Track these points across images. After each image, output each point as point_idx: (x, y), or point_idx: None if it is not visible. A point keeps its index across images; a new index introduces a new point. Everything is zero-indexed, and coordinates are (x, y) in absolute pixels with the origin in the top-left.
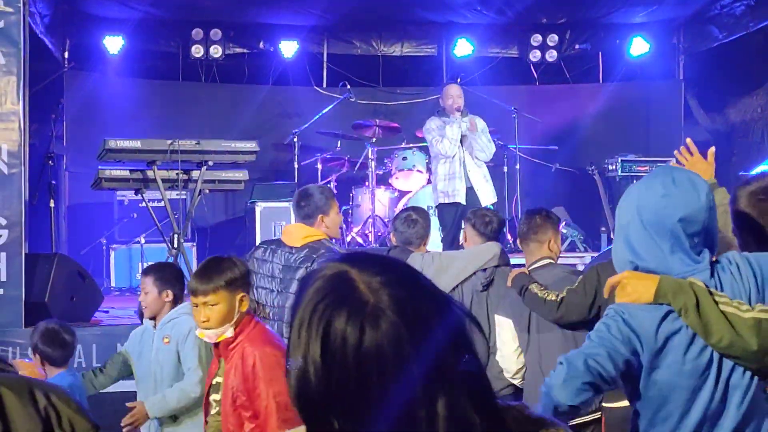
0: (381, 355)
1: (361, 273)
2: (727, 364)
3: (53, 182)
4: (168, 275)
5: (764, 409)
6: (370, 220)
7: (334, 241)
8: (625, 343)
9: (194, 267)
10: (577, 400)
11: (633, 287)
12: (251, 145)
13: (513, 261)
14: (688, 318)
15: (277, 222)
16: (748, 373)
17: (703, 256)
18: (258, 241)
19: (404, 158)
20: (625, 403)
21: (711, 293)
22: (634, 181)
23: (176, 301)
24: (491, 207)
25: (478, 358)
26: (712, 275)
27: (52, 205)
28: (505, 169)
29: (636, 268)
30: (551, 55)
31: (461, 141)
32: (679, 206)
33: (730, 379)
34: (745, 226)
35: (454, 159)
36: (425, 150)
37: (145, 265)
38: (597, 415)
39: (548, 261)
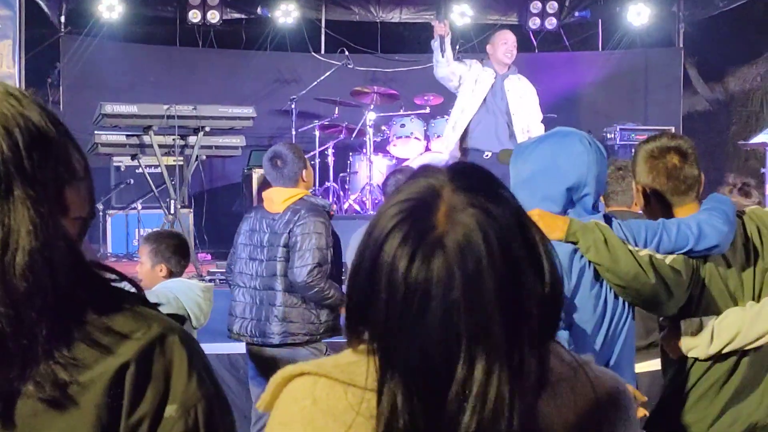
0: (426, 291)
1: (456, 194)
2: (610, 300)
3: None
4: (164, 248)
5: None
6: (368, 188)
7: (313, 191)
8: None
9: (191, 233)
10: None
11: (546, 223)
12: (248, 111)
13: None
14: (598, 254)
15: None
16: (628, 308)
17: (598, 207)
18: (253, 206)
19: (402, 125)
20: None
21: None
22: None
23: (171, 276)
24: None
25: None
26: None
27: None
28: None
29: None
30: (551, 23)
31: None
32: (583, 168)
33: (614, 313)
34: (642, 183)
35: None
36: (423, 117)
37: (143, 231)
38: None
39: None
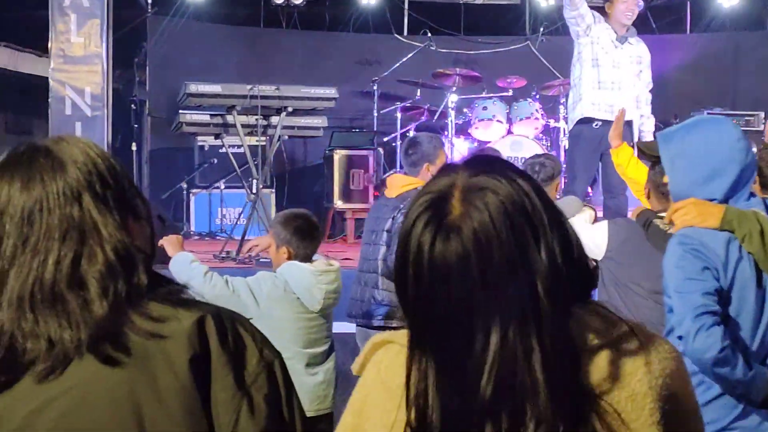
0: (447, 270)
1: (468, 181)
2: None
3: (135, 126)
4: (283, 230)
5: None
6: None
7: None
8: (711, 276)
9: (273, 213)
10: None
11: (700, 211)
12: (331, 92)
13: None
14: (752, 244)
15: (356, 170)
16: None
17: (754, 194)
18: (336, 189)
19: (484, 108)
20: None
21: None
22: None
23: (294, 258)
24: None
25: (552, 315)
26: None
27: (134, 148)
28: None
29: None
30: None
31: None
32: (743, 154)
33: None
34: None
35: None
36: (506, 100)
37: (225, 210)
38: None
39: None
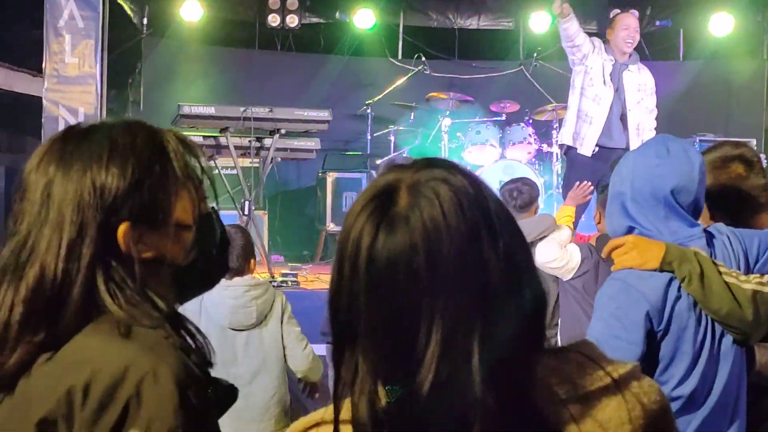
0: (391, 265)
1: (416, 174)
2: (718, 331)
3: None
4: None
5: (742, 377)
6: None
7: None
8: (641, 313)
9: (266, 235)
10: None
11: (640, 251)
12: (324, 114)
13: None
14: (690, 286)
15: (348, 193)
16: (733, 342)
17: (696, 223)
18: (328, 211)
19: (478, 132)
20: None
21: (714, 263)
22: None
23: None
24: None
25: (510, 318)
26: (708, 243)
27: None
28: None
29: (631, 232)
30: None
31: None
32: (672, 176)
33: (720, 346)
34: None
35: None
36: (499, 124)
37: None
38: None
39: None
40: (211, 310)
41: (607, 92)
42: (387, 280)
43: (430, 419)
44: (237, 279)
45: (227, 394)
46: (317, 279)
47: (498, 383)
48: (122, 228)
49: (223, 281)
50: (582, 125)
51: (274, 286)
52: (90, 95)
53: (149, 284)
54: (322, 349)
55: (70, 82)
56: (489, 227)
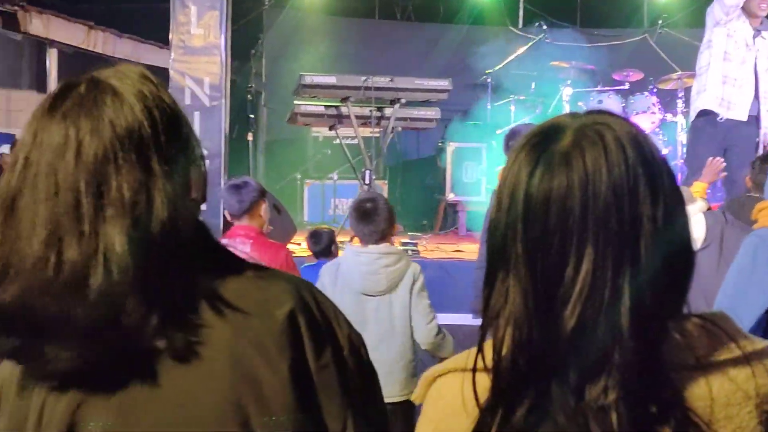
0: (547, 202)
1: (587, 117)
2: None
3: (251, 117)
4: None
5: None
6: None
7: None
8: None
9: None
10: None
11: None
12: (444, 84)
13: None
14: None
15: (468, 163)
16: None
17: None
18: (448, 181)
19: (600, 101)
20: None
21: None
22: None
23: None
24: None
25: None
26: None
27: (250, 138)
28: None
29: None
30: None
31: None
32: None
33: None
34: None
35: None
36: (622, 93)
37: (338, 201)
38: None
39: None
40: (346, 275)
41: (750, 57)
42: (541, 216)
43: (567, 360)
44: (371, 246)
45: None
46: (437, 248)
47: (635, 336)
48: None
49: (358, 248)
50: (729, 90)
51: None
52: (215, 65)
53: None
54: (453, 319)
55: (196, 53)
56: (649, 179)
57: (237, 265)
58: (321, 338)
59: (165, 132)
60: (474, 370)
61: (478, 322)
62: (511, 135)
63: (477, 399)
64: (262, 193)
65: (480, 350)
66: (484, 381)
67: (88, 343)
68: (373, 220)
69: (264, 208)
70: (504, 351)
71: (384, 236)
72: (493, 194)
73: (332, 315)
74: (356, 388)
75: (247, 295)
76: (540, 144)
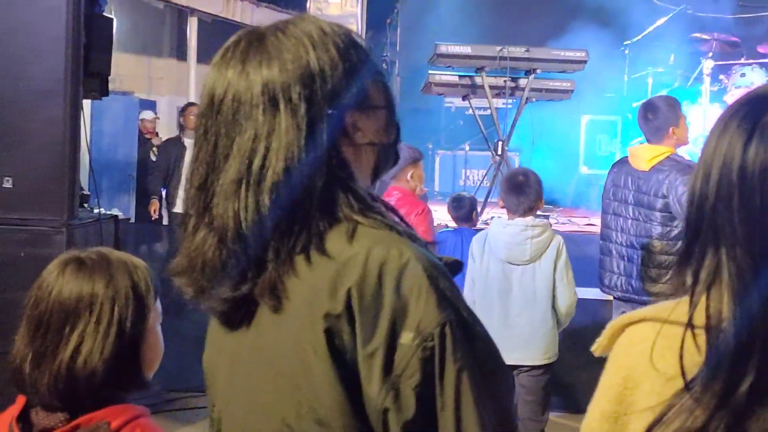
0: (764, 172)
1: None
2: None
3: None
4: None
5: None
6: (700, 139)
7: (679, 150)
8: None
9: None
10: None
11: None
12: (581, 54)
13: None
14: None
15: (602, 135)
16: None
17: None
18: (581, 154)
19: (743, 75)
20: None
21: None
22: None
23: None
24: None
25: None
26: None
27: None
28: None
29: None
30: None
31: None
32: None
33: None
34: None
35: None
36: (767, 67)
37: (469, 172)
38: None
39: None
40: (493, 245)
41: None
42: (759, 188)
43: None
44: (518, 219)
45: (454, 269)
46: (569, 221)
47: None
48: (348, 117)
49: (504, 220)
50: None
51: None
52: None
53: (357, 169)
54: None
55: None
56: None
57: (359, 216)
58: (376, 320)
59: (297, 82)
60: (690, 325)
61: (605, 296)
62: (648, 107)
63: (681, 359)
64: (412, 160)
65: (693, 305)
66: (678, 336)
67: (227, 287)
68: (524, 192)
69: (411, 174)
70: (722, 324)
71: (531, 209)
72: (697, 167)
73: (414, 292)
74: (411, 374)
75: (337, 253)
76: (752, 114)
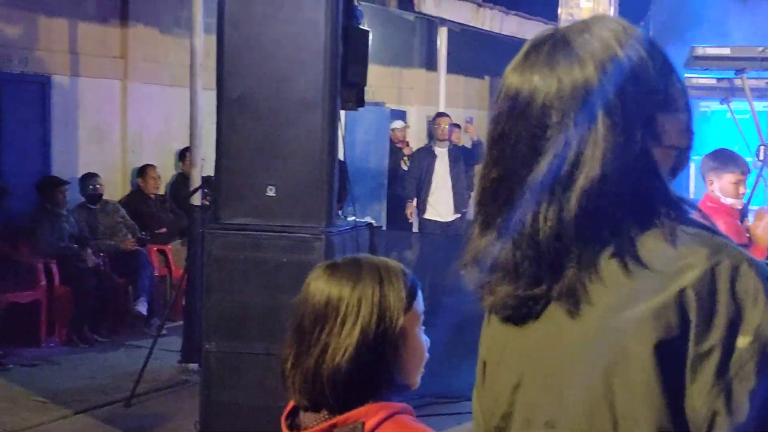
0: None
1: None
2: None
3: None
4: None
5: None
6: None
7: None
8: None
9: None
10: None
11: None
12: None
13: None
14: None
15: None
16: None
17: None
18: None
19: None
20: None
21: None
22: None
23: None
24: None
25: None
26: None
27: None
28: None
29: None
30: None
31: None
32: None
33: None
34: None
35: None
36: None
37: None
38: None
39: None
40: None
41: None
42: None
43: None
44: None
45: None
46: None
47: None
48: (659, 118)
49: None
50: None
51: None
52: None
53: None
54: None
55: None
56: None
57: (674, 222)
58: (711, 321)
59: (616, 85)
60: None
61: None
62: None
63: None
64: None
65: None
66: None
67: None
68: None
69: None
70: None
71: None
72: None
73: (751, 296)
74: (746, 378)
75: (655, 256)
76: None
